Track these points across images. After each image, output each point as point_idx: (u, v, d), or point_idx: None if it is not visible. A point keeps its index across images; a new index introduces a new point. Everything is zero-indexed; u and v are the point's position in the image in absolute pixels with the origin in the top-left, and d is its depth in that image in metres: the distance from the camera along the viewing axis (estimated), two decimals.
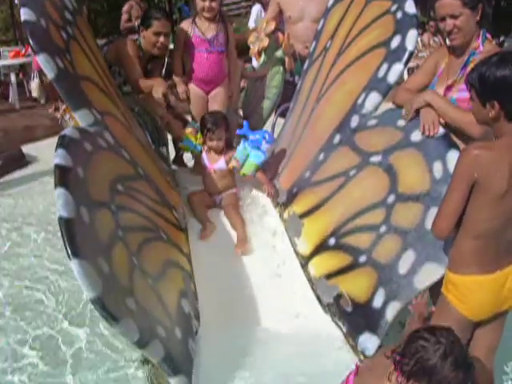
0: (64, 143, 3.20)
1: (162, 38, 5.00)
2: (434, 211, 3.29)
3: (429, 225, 3.30)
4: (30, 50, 12.76)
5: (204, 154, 4.87)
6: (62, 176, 2.99)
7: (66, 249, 2.75)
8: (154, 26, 4.97)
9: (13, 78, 12.03)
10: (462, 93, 3.56)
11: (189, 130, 5.05)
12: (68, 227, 2.79)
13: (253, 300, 4.12)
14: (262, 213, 4.82)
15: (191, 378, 3.24)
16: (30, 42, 3.58)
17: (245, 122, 5.02)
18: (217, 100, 5.44)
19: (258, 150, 4.78)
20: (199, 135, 4.97)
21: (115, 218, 3.31)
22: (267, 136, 4.87)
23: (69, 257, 2.73)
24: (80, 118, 3.68)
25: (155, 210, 4.02)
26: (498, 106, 2.72)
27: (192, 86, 5.38)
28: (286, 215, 4.63)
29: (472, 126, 3.27)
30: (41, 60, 3.54)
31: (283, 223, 4.62)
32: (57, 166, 3.03)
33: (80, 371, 3.78)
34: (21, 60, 12.49)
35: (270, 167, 5.08)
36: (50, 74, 3.58)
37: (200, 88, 5.39)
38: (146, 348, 2.96)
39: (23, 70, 12.80)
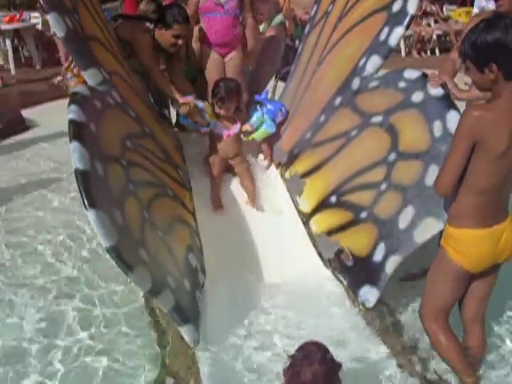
0: (76, 100, 3.31)
1: (180, 41, 5.00)
2: (433, 168, 3.46)
3: (428, 181, 3.46)
4: (24, 15, 12.77)
5: (216, 122, 4.83)
6: (77, 130, 3.11)
7: (82, 199, 2.87)
8: (175, 28, 4.93)
9: (8, 43, 12.06)
10: None
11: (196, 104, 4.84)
12: (84, 179, 2.91)
13: (255, 255, 4.30)
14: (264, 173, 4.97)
15: (199, 328, 3.38)
16: (41, 1, 3.64)
17: (265, 90, 5.25)
18: (232, 64, 5.37)
19: (272, 121, 4.95)
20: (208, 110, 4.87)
21: (126, 173, 3.44)
22: (283, 109, 5.05)
23: (85, 207, 2.85)
24: (89, 77, 3.78)
25: (161, 167, 4.14)
26: (495, 68, 2.80)
27: (208, 50, 5.32)
28: (287, 175, 4.76)
29: None
30: (51, 19, 3.61)
31: (284, 183, 4.74)
32: (71, 121, 3.14)
33: None
34: (16, 25, 12.44)
35: None
36: (59, 33, 3.64)
37: (215, 52, 5.32)
38: (157, 296, 3.11)
39: (18, 35, 12.73)
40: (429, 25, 13.41)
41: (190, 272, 3.65)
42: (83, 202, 2.87)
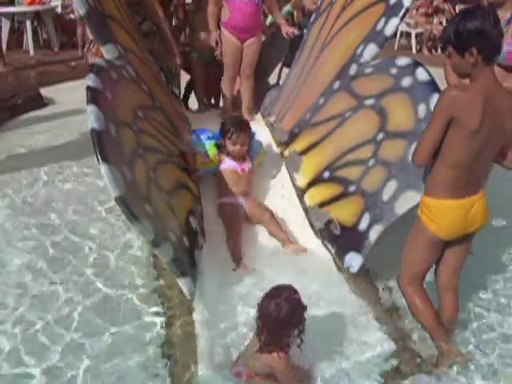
0: (94, 70, 3.68)
1: None
2: (415, 146, 3.77)
3: (410, 158, 3.77)
4: None
5: (226, 160, 4.72)
6: (94, 96, 3.47)
7: (96, 155, 3.22)
8: None
9: (28, 25, 12.27)
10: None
11: (199, 160, 4.78)
12: (98, 137, 3.27)
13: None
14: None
15: (195, 282, 3.72)
16: None
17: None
18: (251, 49, 5.60)
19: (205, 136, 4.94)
20: (211, 152, 4.79)
21: (137, 138, 3.79)
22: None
23: (98, 161, 3.20)
24: (106, 52, 4.13)
25: (169, 138, 4.49)
26: (476, 52, 3.09)
27: (227, 34, 5.52)
28: (286, 153, 5.11)
29: None
30: None
31: (284, 160, 5.09)
32: (88, 88, 3.51)
33: None
34: (36, 7, 12.54)
35: (274, 110, 5.53)
36: (81, 10, 4.00)
37: (235, 37, 5.53)
38: (158, 248, 3.44)
39: (38, 17, 12.97)
40: (440, 23, 13.58)
41: (189, 232, 3.99)
42: (96, 157, 3.22)
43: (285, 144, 5.18)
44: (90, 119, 3.32)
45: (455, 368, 3.35)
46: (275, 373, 3.06)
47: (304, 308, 3.04)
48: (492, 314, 3.90)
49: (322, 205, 4.47)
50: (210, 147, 4.76)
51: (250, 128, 4.80)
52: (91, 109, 3.36)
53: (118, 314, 3.84)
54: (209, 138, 4.82)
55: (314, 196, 4.61)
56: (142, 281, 4.20)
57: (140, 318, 3.80)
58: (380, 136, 4.16)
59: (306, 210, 4.62)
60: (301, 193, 4.74)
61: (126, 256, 4.51)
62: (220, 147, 4.74)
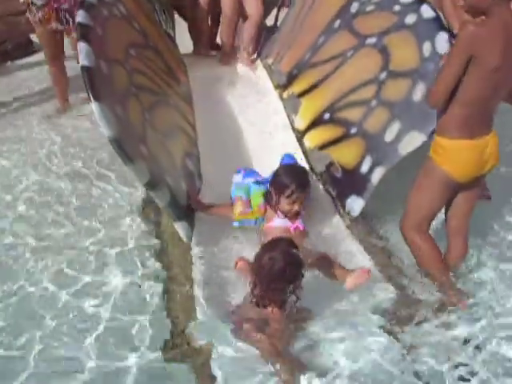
0: (84, 6, 3.51)
1: None
2: (421, 86, 3.68)
3: (415, 98, 3.68)
4: None
5: (276, 218, 3.73)
6: (84, 32, 3.33)
7: (87, 94, 3.09)
8: None
9: None
10: None
11: (238, 208, 3.78)
12: (89, 74, 3.13)
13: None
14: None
15: (193, 227, 3.62)
16: None
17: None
18: None
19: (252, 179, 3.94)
20: (255, 201, 3.81)
21: (129, 77, 3.65)
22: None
23: (90, 99, 3.07)
24: None
25: (164, 79, 4.34)
26: None
27: None
28: (285, 95, 4.95)
29: None
30: None
31: (282, 102, 4.93)
32: (79, 24, 3.36)
33: None
34: None
35: (272, 52, 5.37)
36: None
37: None
38: (154, 190, 3.33)
39: None
40: None
41: (187, 175, 3.88)
42: (88, 95, 3.08)
43: (283, 86, 5.02)
44: (80, 56, 3.18)
45: (456, 315, 3.29)
46: (269, 328, 2.98)
47: (300, 263, 2.96)
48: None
49: (322, 147, 4.33)
50: (254, 195, 3.82)
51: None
52: (81, 45, 3.23)
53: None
54: (257, 183, 3.87)
55: (313, 138, 4.47)
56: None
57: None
58: (383, 75, 4.01)
59: (305, 152, 4.48)
60: (300, 135, 4.60)
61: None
62: (269, 199, 3.75)
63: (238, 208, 3.74)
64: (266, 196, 3.76)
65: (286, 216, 3.67)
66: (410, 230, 3.44)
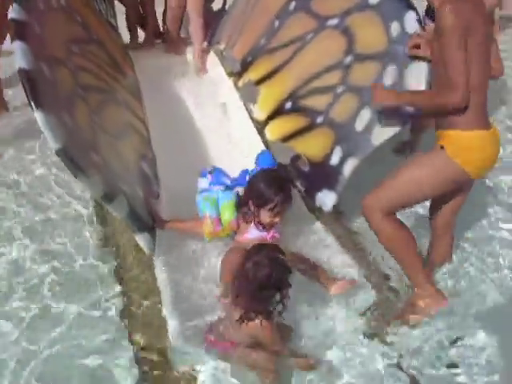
0: (18, 0, 3.12)
1: None
2: (391, 69, 3.44)
3: (386, 82, 3.43)
4: None
5: (252, 229, 3.38)
6: (19, 30, 2.95)
7: (29, 101, 2.72)
8: None
9: None
10: None
11: (207, 227, 3.37)
12: (29, 79, 2.76)
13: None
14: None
15: (155, 237, 3.31)
16: None
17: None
18: None
19: (220, 187, 3.53)
20: (225, 216, 3.38)
21: (74, 77, 3.29)
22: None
23: (32, 108, 2.71)
24: None
25: (110, 74, 3.99)
26: None
27: None
28: (240, 84, 4.65)
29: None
30: None
31: (238, 91, 4.63)
32: (13, 20, 2.98)
33: None
34: None
35: (223, 38, 5.05)
36: None
37: None
38: (112, 202, 2.99)
39: None
40: None
41: (143, 179, 3.56)
42: (29, 103, 2.72)
43: (238, 74, 4.72)
44: (17, 57, 2.80)
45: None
46: (261, 343, 2.74)
47: (287, 269, 2.71)
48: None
49: (285, 139, 4.06)
50: (224, 207, 3.38)
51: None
52: (17, 45, 2.84)
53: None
54: (226, 191, 3.44)
55: (275, 129, 4.20)
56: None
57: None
58: (348, 59, 3.74)
59: (266, 144, 4.19)
60: (261, 126, 4.31)
61: None
62: (245, 213, 3.37)
63: (208, 228, 3.35)
64: (240, 208, 3.37)
65: (261, 226, 3.36)
66: (379, 215, 3.10)
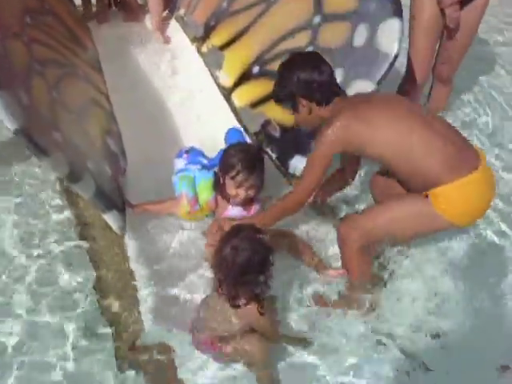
0: None
1: None
2: (361, 28, 3.32)
3: (357, 42, 3.32)
4: None
5: (230, 207, 3.33)
6: None
7: None
8: None
9: None
10: None
11: (184, 208, 3.29)
12: None
13: (176, 135, 4.11)
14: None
15: (125, 215, 3.17)
16: None
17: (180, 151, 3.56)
18: None
19: (197, 166, 3.41)
20: (203, 196, 3.30)
21: (29, 51, 3.10)
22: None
23: None
24: None
25: (68, 47, 3.80)
26: (304, 101, 3.00)
27: None
28: (204, 49, 4.48)
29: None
30: None
31: (202, 57, 4.46)
32: None
33: None
34: None
35: (183, 2, 4.86)
36: None
37: None
38: (78, 182, 2.83)
39: None
40: None
41: (109, 155, 3.40)
42: None
43: (201, 39, 4.54)
44: None
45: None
46: (256, 328, 2.67)
47: (268, 249, 2.60)
48: None
49: (254, 105, 3.94)
50: (201, 188, 3.29)
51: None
52: None
53: None
54: (202, 170, 3.35)
55: (243, 95, 4.06)
56: None
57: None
58: (316, 20, 3.61)
59: (235, 111, 4.06)
60: (227, 93, 4.17)
61: None
62: (220, 187, 3.31)
63: (184, 208, 3.24)
64: (216, 184, 3.28)
65: (239, 204, 3.24)
66: (354, 242, 2.99)
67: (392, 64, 3.20)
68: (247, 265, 2.53)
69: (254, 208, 3.29)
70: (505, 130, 4.64)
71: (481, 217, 3.02)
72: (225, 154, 3.24)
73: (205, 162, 3.41)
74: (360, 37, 3.28)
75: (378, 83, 3.21)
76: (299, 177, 3.40)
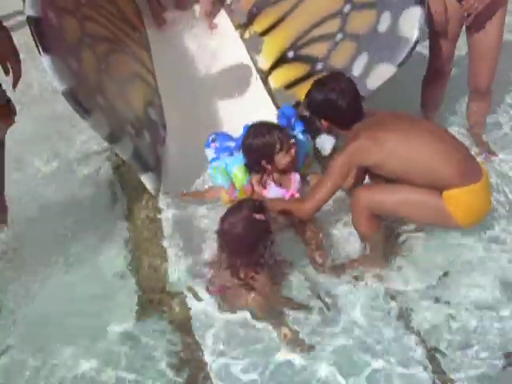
0: None
1: None
2: (386, 16, 3.58)
3: (381, 29, 3.56)
4: None
5: (273, 186, 3.51)
6: None
7: (36, 46, 2.89)
8: None
9: None
10: None
11: (225, 198, 3.52)
12: (37, 25, 2.92)
13: (217, 113, 4.34)
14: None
15: (160, 178, 3.49)
16: None
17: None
18: None
19: (228, 153, 3.64)
20: (238, 182, 3.53)
21: (81, 26, 3.44)
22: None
23: (39, 53, 2.88)
24: None
25: (119, 26, 4.13)
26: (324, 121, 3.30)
27: None
28: (246, 35, 4.78)
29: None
30: None
31: (244, 43, 4.76)
32: None
33: None
34: None
35: None
36: None
37: None
38: (116, 143, 3.18)
39: None
40: None
41: (149, 124, 3.73)
42: (37, 48, 2.89)
43: (244, 26, 4.84)
44: (26, 5, 2.96)
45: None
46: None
47: (264, 223, 2.79)
48: None
49: (288, 86, 4.20)
50: (235, 173, 3.53)
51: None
52: None
53: None
54: (232, 156, 3.57)
55: (278, 78, 4.33)
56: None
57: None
58: (347, 8, 3.87)
59: (270, 93, 4.34)
60: (264, 76, 4.45)
61: None
62: (258, 178, 3.51)
63: (225, 198, 3.48)
64: (252, 170, 3.49)
65: (277, 181, 3.48)
66: (366, 209, 3.20)
67: (413, 49, 3.41)
68: (243, 240, 2.78)
69: (292, 190, 3.46)
70: None
71: (480, 221, 3.25)
72: (251, 143, 3.40)
73: (232, 145, 3.60)
74: (384, 23, 3.52)
75: (399, 65, 3.44)
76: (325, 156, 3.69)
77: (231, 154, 3.58)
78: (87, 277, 3.23)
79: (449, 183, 3.02)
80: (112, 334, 2.89)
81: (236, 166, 3.52)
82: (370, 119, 3.24)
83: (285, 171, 3.47)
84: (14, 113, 2.83)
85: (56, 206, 3.60)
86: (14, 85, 2.72)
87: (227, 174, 3.53)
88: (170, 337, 2.90)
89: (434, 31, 3.89)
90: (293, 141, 3.41)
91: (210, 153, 3.66)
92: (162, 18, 5.02)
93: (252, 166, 3.47)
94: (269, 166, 3.41)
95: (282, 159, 3.38)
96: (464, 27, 3.86)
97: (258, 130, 3.42)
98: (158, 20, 4.99)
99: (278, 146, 3.34)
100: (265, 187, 3.49)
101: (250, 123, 3.53)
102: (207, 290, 3.01)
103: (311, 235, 3.33)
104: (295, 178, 3.50)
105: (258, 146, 3.37)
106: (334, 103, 3.18)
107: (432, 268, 3.28)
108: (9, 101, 2.82)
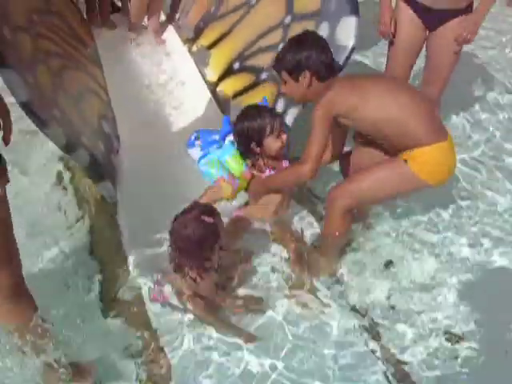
0: None
1: None
2: (324, 26, 3.75)
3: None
4: None
5: (267, 171, 3.61)
6: None
7: None
8: None
9: None
10: None
11: (228, 189, 3.42)
12: None
13: (167, 125, 4.56)
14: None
15: (116, 186, 3.65)
16: None
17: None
18: None
19: (216, 146, 3.60)
20: (236, 170, 3.51)
21: (35, 43, 3.58)
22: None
23: None
24: None
25: (70, 43, 4.28)
26: (308, 73, 3.27)
27: None
28: (194, 49, 4.99)
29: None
30: None
31: (192, 56, 4.96)
32: None
33: None
34: None
35: (175, 7, 5.37)
36: None
37: None
38: (73, 153, 3.32)
39: None
40: None
41: (103, 136, 3.89)
42: None
43: (192, 40, 5.05)
44: None
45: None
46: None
47: (212, 226, 2.89)
48: None
49: (234, 96, 4.40)
50: (230, 162, 3.51)
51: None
52: None
53: None
54: (219, 148, 3.56)
55: (226, 88, 4.53)
56: None
57: None
58: (287, 20, 4.07)
59: (219, 103, 4.54)
60: (213, 87, 4.65)
61: None
62: (253, 163, 3.60)
63: (227, 190, 3.39)
64: (245, 157, 3.55)
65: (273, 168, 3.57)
66: (342, 207, 3.39)
67: (349, 56, 3.63)
68: (187, 239, 2.87)
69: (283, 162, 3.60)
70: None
71: (448, 178, 3.42)
72: (242, 127, 3.47)
73: (217, 137, 3.58)
74: (322, 33, 3.71)
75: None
76: None
77: (220, 147, 3.55)
78: None
79: (419, 139, 3.18)
80: None
81: (228, 155, 3.51)
82: (341, 77, 3.43)
83: (277, 158, 3.56)
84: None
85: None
86: (7, 140, 2.26)
87: (221, 164, 3.48)
88: None
89: (389, 41, 4.20)
90: (283, 126, 3.51)
91: (195, 152, 3.59)
92: (111, 21, 5.22)
93: (243, 150, 3.52)
94: (258, 149, 3.49)
95: (273, 143, 3.45)
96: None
97: (249, 112, 3.52)
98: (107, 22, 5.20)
99: (268, 129, 3.41)
100: (262, 171, 3.57)
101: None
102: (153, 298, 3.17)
103: (293, 247, 3.50)
104: (287, 165, 3.61)
105: (248, 128, 3.44)
106: (319, 55, 3.29)
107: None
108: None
